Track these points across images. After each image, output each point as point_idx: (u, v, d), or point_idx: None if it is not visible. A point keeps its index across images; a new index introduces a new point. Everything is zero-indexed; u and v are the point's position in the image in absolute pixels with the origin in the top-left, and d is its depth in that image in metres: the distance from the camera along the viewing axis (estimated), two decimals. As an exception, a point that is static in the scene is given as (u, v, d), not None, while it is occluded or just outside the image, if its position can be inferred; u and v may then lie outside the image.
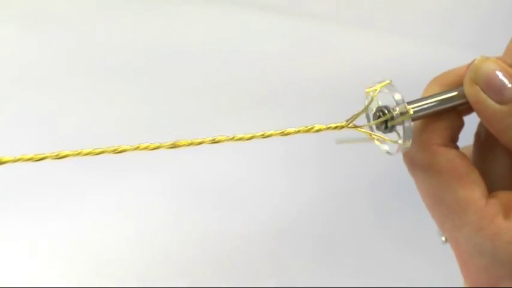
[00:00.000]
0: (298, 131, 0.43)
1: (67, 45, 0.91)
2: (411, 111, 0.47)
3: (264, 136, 0.43)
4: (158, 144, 0.37)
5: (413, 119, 0.47)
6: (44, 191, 0.82)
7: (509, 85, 0.46)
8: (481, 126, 0.50)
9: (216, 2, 0.91)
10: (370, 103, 0.47)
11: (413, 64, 0.88)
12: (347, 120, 0.47)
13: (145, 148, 0.37)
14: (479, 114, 0.48)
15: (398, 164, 0.50)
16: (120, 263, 0.78)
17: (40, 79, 0.89)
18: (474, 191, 0.46)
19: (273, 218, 0.80)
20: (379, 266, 0.78)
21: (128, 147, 0.39)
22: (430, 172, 0.46)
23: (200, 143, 0.41)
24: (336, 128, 0.46)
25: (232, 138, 0.42)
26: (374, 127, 0.48)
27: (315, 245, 0.79)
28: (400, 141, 0.47)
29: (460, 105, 0.49)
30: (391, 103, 0.47)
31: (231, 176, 0.82)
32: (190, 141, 0.41)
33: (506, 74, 0.47)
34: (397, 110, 0.47)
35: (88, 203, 0.81)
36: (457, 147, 0.49)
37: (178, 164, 0.83)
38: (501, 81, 0.46)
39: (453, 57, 0.87)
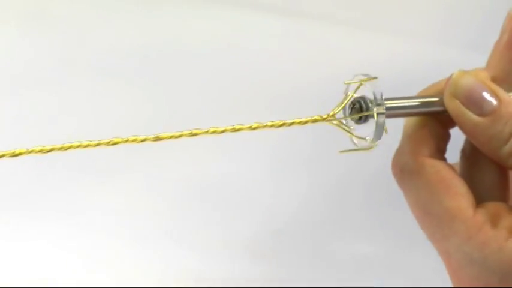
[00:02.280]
0: (265, 126, 0.43)
1: (67, 45, 0.91)
2: (386, 104, 0.47)
3: (235, 130, 0.42)
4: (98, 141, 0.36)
5: (389, 115, 0.47)
6: (42, 192, 0.82)
7: (488, 98, 0.46)
8: (467, 141, 0.50)
9: (215, 2, 0.91)
10: (350, 98, 0.47)
11: (413, 64, 0.87)
12: (324, 116, 0.46)
13: (79, 146, 0.37)
14: (461, 128, 0.48)
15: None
16: (118, 263, 0.78)
17: (40, 79, 0.89)
18: (462, 201, 0.46)
19: (266, 218, 0.79)
20: (373, 264, 0.77)
21: (75, 144, 0.39)
22: (419, 183, 0.47)
23: (180, 136, 0.41)
24: (307, 122, 0.45)
25: (207, 132, 0.42)
26: (348, 117, 0.47)
27: (308, 244, 0.78)
28: (368, 138, 0.47)
29: (441, 112, 0.49)
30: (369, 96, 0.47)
31: (222, 176, 0.82)
32: (171, 135, 0.41)
33: (484, 87, 0.47)
34: (373, 101, 0.46)
35: (86, 203, 0.81)
36: (444, 159, 0.49)
37: (171, 166, 0.83)
38: (480, 94, 0.46)
39: (452, 57, 0.87)
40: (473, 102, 0.46)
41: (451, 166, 0.48)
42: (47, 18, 0.92)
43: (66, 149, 0.40)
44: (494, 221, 0.45)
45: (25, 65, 0.89)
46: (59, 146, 0.40)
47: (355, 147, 0.47)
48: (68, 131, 0.85)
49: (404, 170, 0.47)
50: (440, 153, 0.48)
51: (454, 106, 0.47)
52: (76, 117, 0.86)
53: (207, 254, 0.79)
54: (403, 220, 0.77)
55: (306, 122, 0.42)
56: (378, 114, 0.46)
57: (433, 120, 0.49)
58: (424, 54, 0.89)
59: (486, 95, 0.46)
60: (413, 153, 0.47)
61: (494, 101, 0.46)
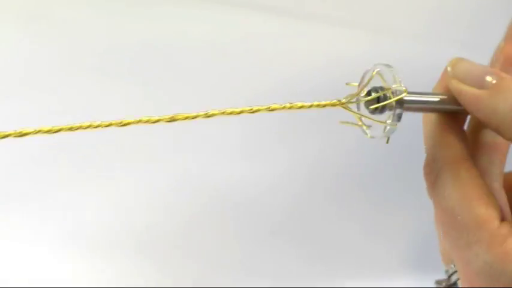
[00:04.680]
0: (284, 107, 0.42)
1: (67, 45, 0.91)
2: (406, 92, 0.46)
3: (252, 111, 0.41)
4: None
5: (406, 109, 0.47)
6: (41, 190, 0.82)
7: (488, 75, 0.47)
8: None
9: (214, 3, 0.91)
10: (367, 83, 0.46)
11: (413, 65, 0.87)
12: (340, 100, 0.46)
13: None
14: (465, 105, 0.48)
15: (369, 145, 0.49)
16: (117, 263, 0.78)
17: (40, 78, 0.89)
18: (491, 211, 0.46)
19: (262, 217, 0.79)
20: (344, 250, 0.77)
21: (85, 124, 0.38)
22: (453, 187, 0.47)
23: (195, 117, 0.41)
24: (325, 105, 0.44)
25: (223, 113, 0.41)
26: (363, 107, 0.47)
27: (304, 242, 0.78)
28: (388, 121, 0.46)
29: (459, 111, 0.49)
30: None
31: (217, 176, 0.82)
32: (186, 115, 0.40)
33: (482, 67, 0.48)
34: (393, 90, 0.46)
35: (87, 201, 0.81)
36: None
37: (164, 163, 0.82)
38: (479, 72, 0.47)
39: (449, 57, 0.87)
40: (473, 78, 0.47)
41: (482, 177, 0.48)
42: (47, 18, 0.92)
43: (76, 129, 0.39)
44: None
45: (25, 65, 0.89)
46: (68, 126, 0.38)
47: (357, 124, 0.47)
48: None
49: (440, 175, 0.47)
50: (470, 157, 0.48)
51: (455, 85, 0.48)
52: (76, 116, 0.86)
53: (203, 253, 0.79)
54: (377, 203, 0.77)
55: (325, 105, 0.41)
56: (396, 104, 0.46)
57: (458, 126, 0.49)
58: (424, 54, 0.88)
59: (484, 74, 0.47)
60: (449, 159, 0.47)
61: (494, 78, 0.47)
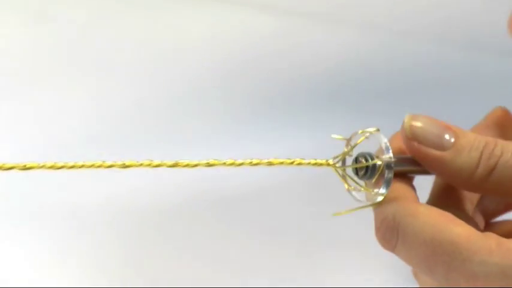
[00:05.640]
0: (282, 163, 0.43)
1: (67, 45, 0.91)
2: (395, 167, 0.47)
3: (252, 164, 0.42)
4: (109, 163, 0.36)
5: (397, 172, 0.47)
6: (39, 190, 0.82)
7: (445, 135, 0.47)
8: (431, 194, 0.51)
9: (214, 3, 0.92)
10: (354, 146, 0.47)
11: (412, 64, 0.87)
12: (329, 160, 0.46)
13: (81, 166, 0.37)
14: (428, 167, 0.48)
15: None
16: (115, 264, 0.79)
17: (39, 78, 0.89)
18: (469, 227, 0.46)
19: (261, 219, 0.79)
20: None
21: (87, 163, 0.39)
22: (420, 223, 0.46)
23: (196, 165, 0.41)
24: (315, 164, 0.45)
25: (224, 163, 0.41)
26: (351, 172, 0.47)
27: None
28: (382, 190, 0.47)
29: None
30: (371, 149, 0.47)
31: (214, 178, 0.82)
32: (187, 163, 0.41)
33: (437, 125, 0.48)
34: (383, 158, 0.46)
35: (85, 203, 0.81)
36: None
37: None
38: (435, 133, 0.47)
39: (449, 57, 0.87)
40: (431, 141, 0.47)
41: None
42: (47, 18, 0.92)
43: (79, 168, 0.39)
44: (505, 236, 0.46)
45: (25, 65, 0.89)
46: (71, 164, 0.39)
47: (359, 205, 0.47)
48: (67, 131, 0.85)
49: (400, 215, 0.46)
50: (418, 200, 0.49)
51: (414, 149, 0.48)
52: (75, 116, 0.86)
53: (201, 253, 0.79)
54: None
55: (315, 164, 0.42)
56: (387, 171, 0.46)
57: (404, 175, 0.49)
58: (424, 54, 0.88)
59: (441, 133, 0.47)
60: (400, 199, 0.47)
61: (451, 137, 0.47)
